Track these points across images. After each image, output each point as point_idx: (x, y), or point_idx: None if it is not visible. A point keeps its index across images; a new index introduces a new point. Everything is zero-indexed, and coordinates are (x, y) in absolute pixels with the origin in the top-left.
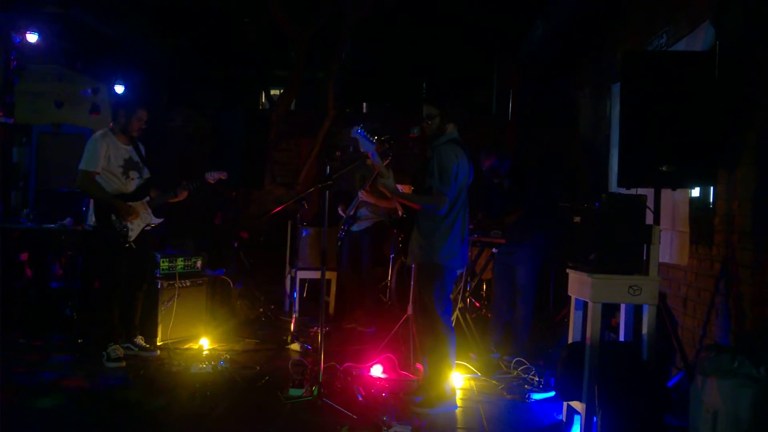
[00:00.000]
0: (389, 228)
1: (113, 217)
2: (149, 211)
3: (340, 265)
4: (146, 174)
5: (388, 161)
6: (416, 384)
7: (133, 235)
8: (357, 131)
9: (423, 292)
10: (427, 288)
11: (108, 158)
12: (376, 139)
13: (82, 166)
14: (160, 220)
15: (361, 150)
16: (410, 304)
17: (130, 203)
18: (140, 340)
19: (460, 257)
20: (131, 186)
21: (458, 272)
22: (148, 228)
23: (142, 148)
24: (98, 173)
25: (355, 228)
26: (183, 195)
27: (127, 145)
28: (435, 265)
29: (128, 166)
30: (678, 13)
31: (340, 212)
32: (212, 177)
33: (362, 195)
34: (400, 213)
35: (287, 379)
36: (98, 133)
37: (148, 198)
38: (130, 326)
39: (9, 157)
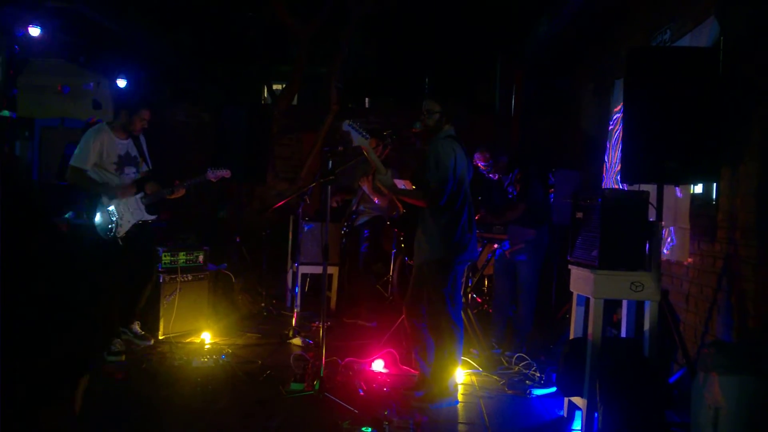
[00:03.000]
0: (388, 224)
1: (103, 210)
2: (142, 207)
3: (343, 261)
4: (144, 169)
5: (385, 153)
6: (417, 379)
7: (122, 231)
8: (348, 126)
9: (432, 288)
10: (437, 285)
11: (100, 154)
12: (371, 134)
13: (71, 162)
14: (152, 217)
15: (354, 144)
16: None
17: (120, 188)
18: (137, 326)
19: (470, 250)
20: (126, 181)
21: (467, 265)
22: (149, 222)
23: (143, 140)
24: (87, 170)
25: (357, 222)
26: (180, 193)
27: (124, 140)
28: (445, 260)
29: (123, 161)
30: (682, 8)
31: (334, 204)
32: (214, 175)
33: (362, 184)
34: (401, 210)
35: (289, 373)
36: (93, 128)
37: (141, 194)
38: (130, 313)
39: (12, 151)
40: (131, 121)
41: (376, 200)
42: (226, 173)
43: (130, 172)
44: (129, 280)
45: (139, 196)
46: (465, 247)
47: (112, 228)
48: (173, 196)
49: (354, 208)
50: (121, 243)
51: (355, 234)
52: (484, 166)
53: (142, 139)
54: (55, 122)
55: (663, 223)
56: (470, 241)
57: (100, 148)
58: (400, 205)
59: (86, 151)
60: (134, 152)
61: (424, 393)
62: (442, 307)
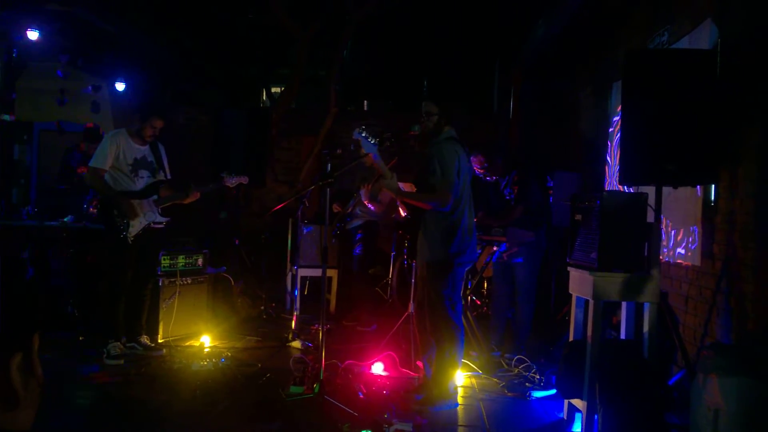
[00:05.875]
0: (383, 227)
1: (115, 213)
2: (155, 209)
3: (341, 263)
4: (161, 174)
5: (393, 162)
6: (417, 382)
7: (133, 231)
8: (358, 134)
9: (433, 290)
10: (437, 286)
11: (117, 156)
12: (378, 140)
13: (91, 162)
14: (165, 219)
15: (363, 152)
16: (411, 302)
17: (134, 201)
18: (145, 339)
19: (470, 252)
20: (140, 184)
21: (467, 267)
22: (155, 226)
23: (162, 150)
24: (106, 171)
25: (350, 225)
26: (194, 197)
27: (141, 146)
28: (446, 262)
29: (138, 165)
30: (680, 10)
31: (334, 210)
32: (231, 182)
33: (363, 194)
34: (403, 214)
35: (288, 376)
36: (112, 132)
37: (155, 197)
38: (136, 326)
39: (10, 155)
40: (143, 127)
41: (371, 207)
42: (244, 179)
43: (144, 175)
44: (132, 281)
45: (152, 198)
46: (465, 250)
47: (123, 227)
48: (187, 201)
49: (349, 210)
50: (130, 243)
51: (347, 237)
52: (480, 169)
53: (162, 148)
54: (54, 125)
55: (670, 222)
56: (470, 243)
57: (116, 151)
58: (403, 207)
59: (104, 152)
60: (151, 158)
61: (424, 396)
62: (442, 309)
